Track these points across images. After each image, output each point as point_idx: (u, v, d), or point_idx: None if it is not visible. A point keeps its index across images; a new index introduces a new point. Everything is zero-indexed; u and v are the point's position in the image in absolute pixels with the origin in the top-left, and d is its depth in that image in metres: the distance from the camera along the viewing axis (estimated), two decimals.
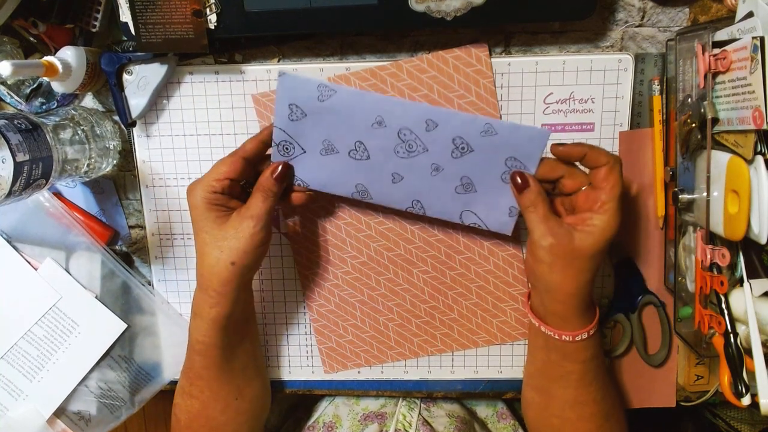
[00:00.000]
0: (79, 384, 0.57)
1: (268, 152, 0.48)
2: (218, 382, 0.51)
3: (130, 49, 0.50)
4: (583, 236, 0.43)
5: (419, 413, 0.60)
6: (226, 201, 0.46)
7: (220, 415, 0.52)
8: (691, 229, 0.48)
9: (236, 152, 0.47)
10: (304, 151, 0.47)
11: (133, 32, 0.47)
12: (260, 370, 0.56)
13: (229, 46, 0.53)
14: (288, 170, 0.47)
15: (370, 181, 0.48)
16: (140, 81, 0.51)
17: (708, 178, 0.44)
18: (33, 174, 0.43)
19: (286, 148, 0.47)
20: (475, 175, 0.47)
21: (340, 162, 0.47)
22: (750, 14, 0.40)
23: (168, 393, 0.58)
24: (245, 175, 0.47)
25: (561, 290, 0.44)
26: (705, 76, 0.43)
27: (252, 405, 0.54)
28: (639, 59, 0.51)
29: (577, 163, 0.46)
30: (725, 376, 0.45)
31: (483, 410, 0.68)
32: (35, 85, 0.54)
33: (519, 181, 0.45)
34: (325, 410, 0.64)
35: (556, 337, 0.46)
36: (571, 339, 0.45)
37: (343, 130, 0.46)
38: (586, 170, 0.45)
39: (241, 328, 0.51)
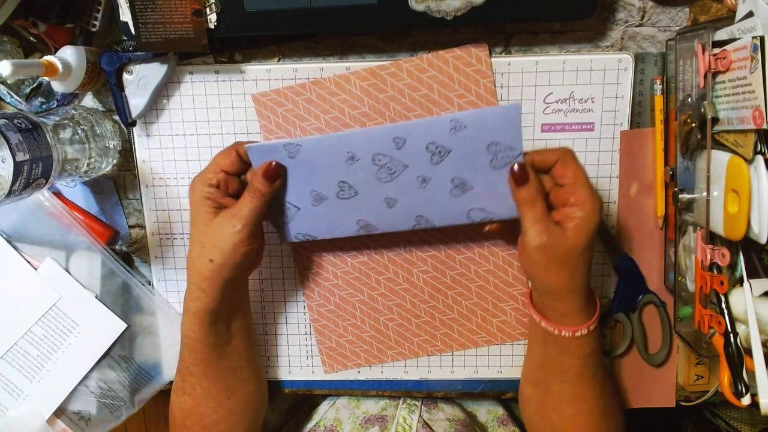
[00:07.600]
0: (79, 384, 0.57)
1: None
2: (208, 379, 0.51)
3: (130, 48, 0.50)
4: (573, 231, 0.42)
5: (420, 415, 0.60)
6: (219, 196, 0.46)
7: (212, 413, 0.52)
8: (691, 228, 0.48)
9: (232, 145, 0.47)
10: (299, 208, 0.48)
11: (133, 32, 0.47)
12: (255, 372, 0.55)
13: (229, 45, 0.53)
14: (279, 169, 0.46)
15: (368, 215, 0.48)
16: (140, 81, 0.51)
17: (708, 177, 0.44)
18: (33, 173, 0.43)
19: (281, 211, 0.49)
20: (465, 173, 0.45)
21: (333, 207, 0.48)
22: (750, 14, 0.40)
23: (168, 393, 0.58)
24: (240, 170, 0.47)
25: (559, 289, 0.44)
26: (705, 76, 0.43)
27: (246, 405, 0.54)
28: (639, 59, 0.51)
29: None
30: (725, 376, 0.45)
31: (483, 415, 0.68)
32: (35, 85, 0.54)
33: (518, 173, 0.42)
34: (326, 414, 0.64)
35: (556, 332, 0.46)
36: (570, 335, 0.45)
37: (323, 176, 0.46)
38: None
39: (230, 326, 0.51)
